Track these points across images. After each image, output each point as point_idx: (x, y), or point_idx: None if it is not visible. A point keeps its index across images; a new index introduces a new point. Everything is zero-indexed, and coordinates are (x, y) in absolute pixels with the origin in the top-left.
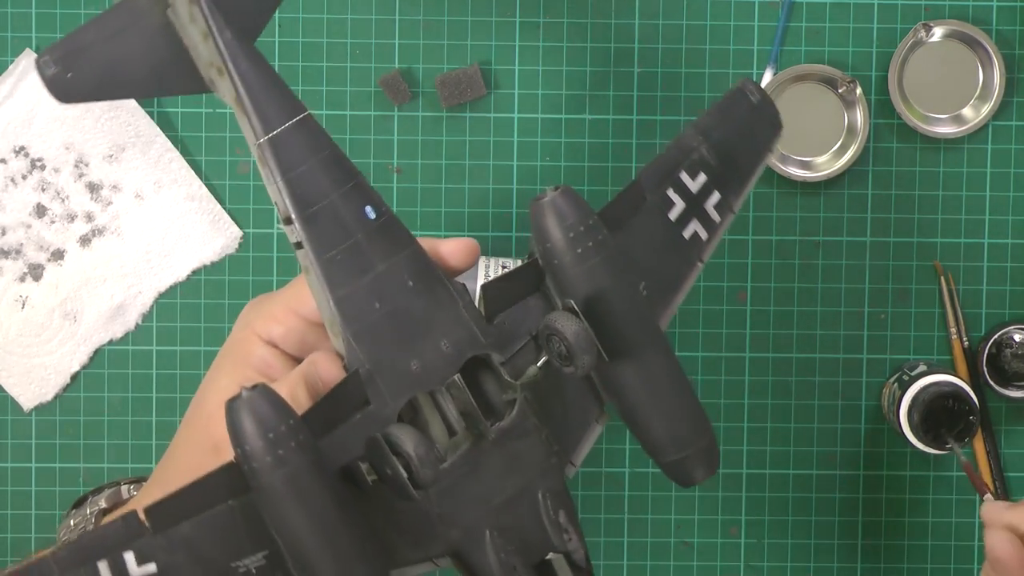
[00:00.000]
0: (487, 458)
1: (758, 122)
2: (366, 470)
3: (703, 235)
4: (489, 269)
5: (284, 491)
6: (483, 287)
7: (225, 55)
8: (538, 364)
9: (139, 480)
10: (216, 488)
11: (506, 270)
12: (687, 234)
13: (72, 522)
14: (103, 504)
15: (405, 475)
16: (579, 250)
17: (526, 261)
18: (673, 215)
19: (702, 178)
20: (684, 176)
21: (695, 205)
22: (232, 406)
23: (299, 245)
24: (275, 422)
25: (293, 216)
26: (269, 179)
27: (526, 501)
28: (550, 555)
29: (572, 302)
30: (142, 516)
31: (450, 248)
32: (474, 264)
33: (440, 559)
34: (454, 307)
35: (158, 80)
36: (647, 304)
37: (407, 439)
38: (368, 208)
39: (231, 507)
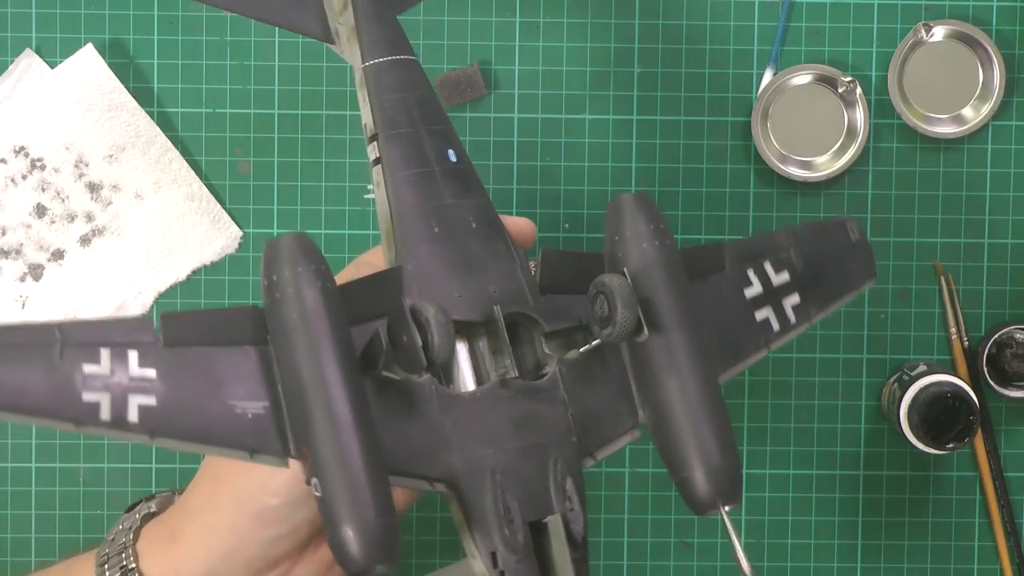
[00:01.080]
0: (509, 405)
1: (852, 261)
2: (385, 348)
3: (774, 325)
4: None
5: (297, 329)
6: (543, 251)
7: None
8: (580, 349)
9: None
10: (238, 327)
11: None
12: (759, 317)
13: (121, 526)
14: (153, 508)
15: (420, 343)
16: (644, 245)
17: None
18: (748, 294)
19: (786, 276)
20: (768, 266)
21: (772, 295)
22: (272, 241)
23: (377, 161)
24: (307, 263)
25: (378, 133)
26: (363, 101)
27: (536, 460)
28: (548, 518)
29: (625, 269)
30: (157, 323)
31: (522, 224)
32: (533, 244)
33: (437, 483)
34: (511, 263)
35: (285, 11)
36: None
37: (430, 308)
38: (451, 151)
39: (246, 351)
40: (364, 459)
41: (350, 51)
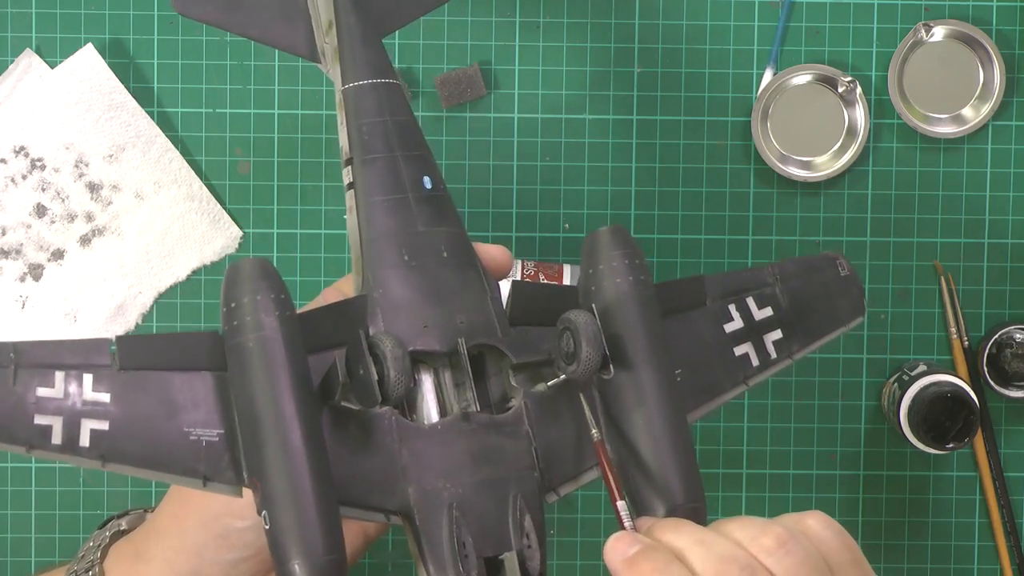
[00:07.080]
0: (470, 438)
1: (841, 295)
2: (342, 380)
3: (754, 361)
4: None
5: (254, 357)
6: (514, 283)
7: (339, 8)
8: (548, 383)
9: None
10: (196, 352)
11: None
12: (737, 352)
13: (92, 543)
14: (123, 526)
15: (375, 377)
16: (617, 280)
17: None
18: (728, 329)
19: (768, 312)
20: (751, 301)
21: (754, 331)
22: (234, 264)
23: (351, 186)
24: (267, 290)
25: (353, 157)
26: (341, 124)
27: (495, 495)
28: (504, 555)
29: (593, 306)
30: (114, 347)
31: (496, 253)
32: (509, 274)
33: (393, 516)
34: (481, 295)
35: (272, 28)
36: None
37: (387, 342)
38: (427, 178)
39: (203, 377)
40: (315, 494)
41: (333, 72)
